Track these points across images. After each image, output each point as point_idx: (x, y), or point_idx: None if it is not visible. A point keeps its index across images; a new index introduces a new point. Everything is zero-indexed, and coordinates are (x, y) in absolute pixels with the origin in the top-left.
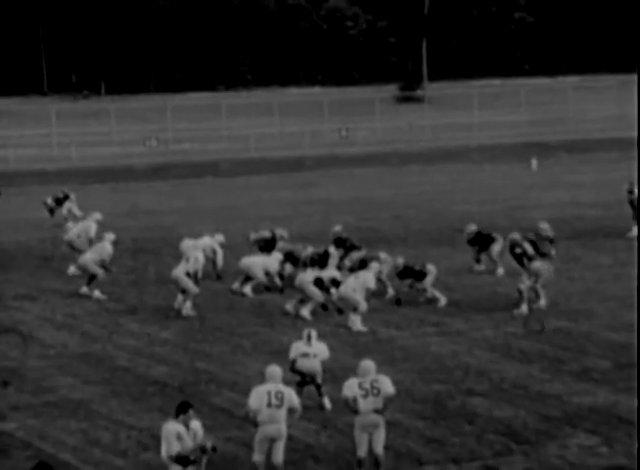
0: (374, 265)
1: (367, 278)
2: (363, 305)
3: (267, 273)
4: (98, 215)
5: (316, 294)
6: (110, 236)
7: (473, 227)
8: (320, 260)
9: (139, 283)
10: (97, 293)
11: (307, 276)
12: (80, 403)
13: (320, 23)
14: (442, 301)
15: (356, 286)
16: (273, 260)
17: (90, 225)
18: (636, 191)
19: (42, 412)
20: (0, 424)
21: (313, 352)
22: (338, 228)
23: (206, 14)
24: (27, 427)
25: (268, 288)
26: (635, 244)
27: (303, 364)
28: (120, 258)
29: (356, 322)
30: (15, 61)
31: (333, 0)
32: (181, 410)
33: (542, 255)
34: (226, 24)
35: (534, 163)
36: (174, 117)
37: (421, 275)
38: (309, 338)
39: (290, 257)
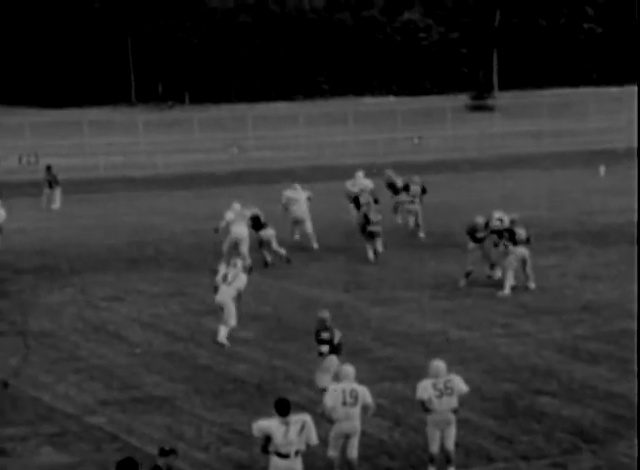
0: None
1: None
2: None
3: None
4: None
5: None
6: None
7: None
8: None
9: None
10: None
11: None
12: (165, 400)
13: (394, 35)
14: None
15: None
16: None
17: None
18: None
19: (129, 408)
20: (91, 418)
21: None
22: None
23: (286, 28)
24: (115, 421)
25: None
26: None
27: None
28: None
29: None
30: (104, 72)
31: (407, 13)
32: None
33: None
34: (304, 37)
35: (602, 169)
36: (255, 126)
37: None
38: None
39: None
